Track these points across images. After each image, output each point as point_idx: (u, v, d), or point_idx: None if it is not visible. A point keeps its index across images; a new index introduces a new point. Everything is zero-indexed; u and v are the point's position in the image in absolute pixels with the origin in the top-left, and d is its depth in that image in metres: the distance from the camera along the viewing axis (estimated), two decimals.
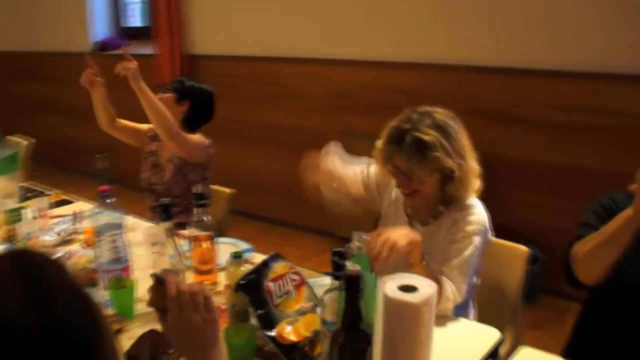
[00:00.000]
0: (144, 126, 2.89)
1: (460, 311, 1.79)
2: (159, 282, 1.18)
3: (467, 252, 1.72)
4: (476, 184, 1.82)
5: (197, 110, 2.77)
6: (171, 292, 1.12)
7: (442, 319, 1.63)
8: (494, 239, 1.88)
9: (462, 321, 1.69)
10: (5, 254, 0.78)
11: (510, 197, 3.61)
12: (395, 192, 2.00)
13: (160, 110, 2.51)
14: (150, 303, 1.19)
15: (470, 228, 1.75)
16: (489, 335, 1.58)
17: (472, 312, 1.90)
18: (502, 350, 1.66)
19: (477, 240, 1.74)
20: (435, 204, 1.86)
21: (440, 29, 3.77)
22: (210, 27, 4.93)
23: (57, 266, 0.79)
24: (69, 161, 6.38)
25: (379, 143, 1.83)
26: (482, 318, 1.80)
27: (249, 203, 4.49)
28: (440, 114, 1.79)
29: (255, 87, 4.73)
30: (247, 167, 4.77)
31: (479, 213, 1.80)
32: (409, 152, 1.72)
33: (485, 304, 1.90)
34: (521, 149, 3.56)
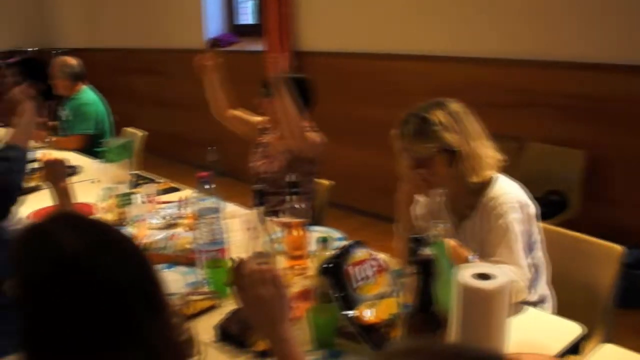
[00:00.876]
0: (255, 119, 3.06)
1: (537, 300, 1.82)
2: (236, 264, 1.30)
3: (508, 233, 1.75)
4: (488, 163, 1.84)
5: (302, 97, 2.86)
6: (243, 270, 1.25)
7: (521, 311, 1.67)
8: (586, 236, 1.88)
9: (542, 314, 1.72)
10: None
11: (621, 198, 3.50)
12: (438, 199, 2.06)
13: (292, 113, 2.64)
14: (228, 282, 1.32)
15: (501, 209, 1.78)
16: (569, 330, 1.60)
17: (550, 302, 1.91)
18: (588, 349, 1.66)
19: (512, 217, 1.77)
20: (465, 194, 1.89)
21: (546, 24, 3.71)
22: (318, 24, 5.09)
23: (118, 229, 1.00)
24: (180, 153, 6.77)
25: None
26: (569, 315, 1.81)
27: (349, 197, 4.61)
28: (450, 102, 1.86)
29: (359, 83, 4.83)
30: (349, 162, 4.89)
31: (506, 192, 1.82)
32: (411, 130, 1.83)
33: (573, 301, 1.90)
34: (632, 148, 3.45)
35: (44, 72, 8.08)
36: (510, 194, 1.82)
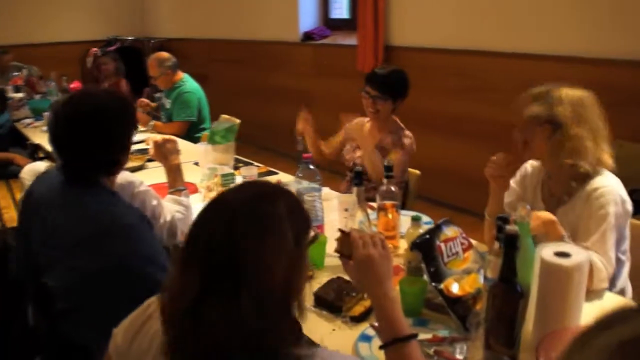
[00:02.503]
0: (341, 133, 3.25)
1: (617, 292, 1.95)
2: (344, 234, 1.52)
3: (605, 223, 1.89)
4: (593, 156, 1.95)
5: (399, 94, 3.04)
6: (355, 234, 1.47)
7: (598, 296, 1.82)
8: None
9: (619, 299, 1.86)
10: None
11: None
12: (530, 175, 2.21)
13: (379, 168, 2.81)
14: (337, 249, 1.53)
15: (605, 199, 1.91)
16: None
17: (629, 294, 2.04)
18: None
19: (612, 209, 1.90)
20: (566, 180, 2.02)
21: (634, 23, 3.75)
22: (409, 19, 5.25)
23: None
24: (268, 142, 7.09)
25: None
26: None
27: (437, 190, 4.76)
28: (587, 92, 2.00)
29: (448, 79, 4.98)
30: (437, 155, 5.03)
31: (611, 184, 1.94)
32: (533, 92, 2.00)
33: None
34: None
35: (139, 59, 8.60)
36: (614, 188, 1.95)
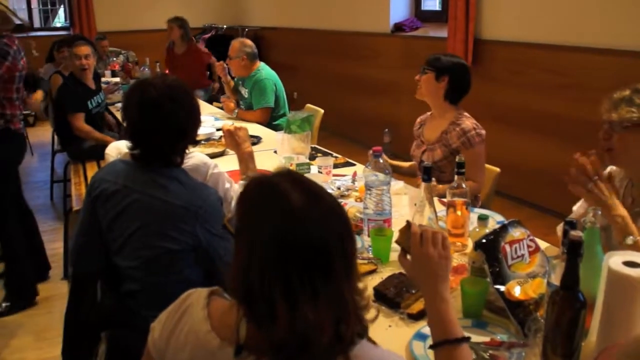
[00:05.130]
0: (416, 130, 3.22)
1: None
2: (408, 227, 1.50)
3: None
4: None
5: (457, 83, 2.95)
6: (415, 229, 1.44)
7: None
8: None
9: None
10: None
11: None
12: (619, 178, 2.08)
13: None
14: (398, 240, 1.52)
15: None
16: None
17: None
18: None
19: None
20: None
21: None
22: (501, 12, 5.11)
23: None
24: (354, 133, 7.10)
25: None
26: None
27: (518, 187, 4.63)
28: None
29: (539, 75, 4.81)
30: (522, 152, 4.89)
31: None
32: (623, 96, 1.88)
33: None
34: None
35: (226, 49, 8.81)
36: None
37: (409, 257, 1.44)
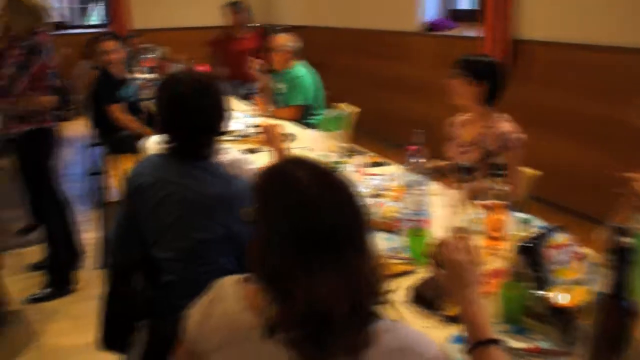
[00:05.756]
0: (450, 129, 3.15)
1: None
2: (439, 244, 1.46)
3: None
4: None
5: (493, 85, 2.86)
6: (442, 238, 1.43)
7: None
8: None
9: None
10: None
11: None
12: None
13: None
14: (431, 255, 1.48)
15: None
16: None
17: None
18: None
19: None
20: None
21: None
22: (539, 12, 5.00)
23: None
24: (385, 133, 7.05)
25: None
26: None
27: (555, 192, 4.53)
28: None
29: (579, 76, 4.69)
30: (560, 156, 4.79)
31: None
32: None
33: None
34: None
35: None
36: None
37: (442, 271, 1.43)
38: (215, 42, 6.97)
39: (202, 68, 6.55)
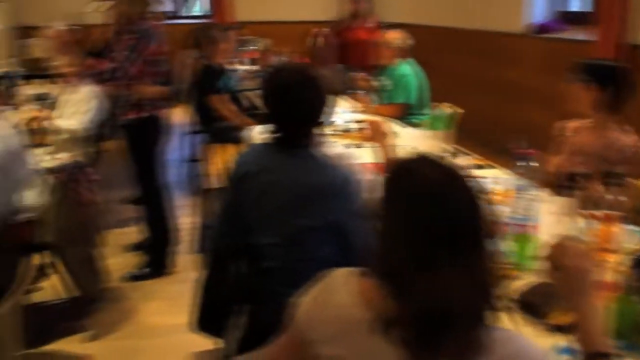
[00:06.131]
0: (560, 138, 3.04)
1: None
2: (556, 244, 1.43)
3: None
4: None
5: (618, 92, 2.72)
6: (562, 243, 1.39)
7: None
8: None
9: None
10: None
11: None
12: None
13: None
14: (547, 257, 1.44)
15: None
16: None
17: None
18: None
19: None
20: None
21: None
22: None
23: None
24: (486, 136, 6.90)
25: None
26: None
27: None
28: None
29: None
30: None
31: None
32: None
33: None
34: None
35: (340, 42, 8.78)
36: None
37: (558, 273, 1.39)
38: (334, 31, 6.97)
39: (302, 61, 6.65)
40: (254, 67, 6.73)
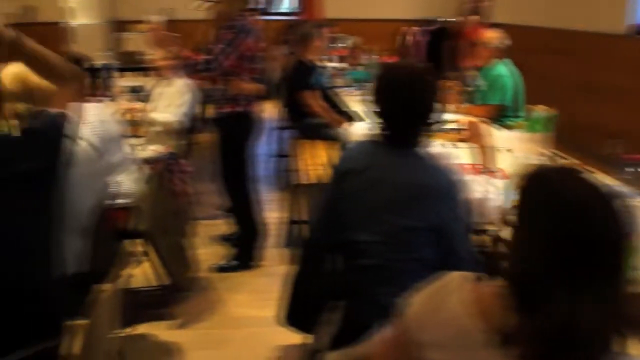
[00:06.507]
0: None
1: None
2: None
3: None
4: None
5: None
6: None
7: None
8: None
9: None
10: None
11: None
12: None
13: None
14: None
15: None
16: None
17: None
18: None
19: None
20: None
21: None
22: None
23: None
24: (581, 140, 6.67)
25: None
26: None
27: None
28: None
29: None
30: None
31: None
32: None
33: None
34: None
35: (449, 42, 8.66)
36: None
37: None
38: (454, 30, 6.91)
39: (391, 60, 6.62)
40: (343, 65, 6.75)
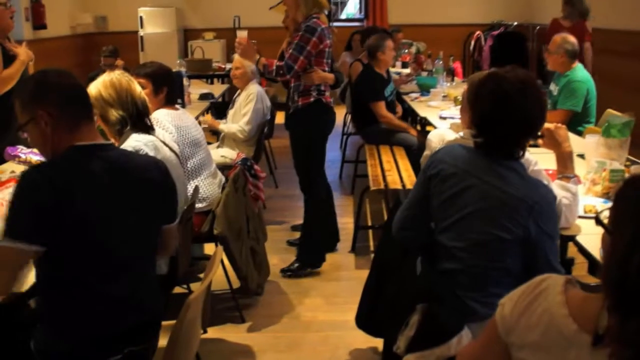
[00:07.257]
0: None
1: None
2: None
3: None
4: None
5: None
6: None
7: None
8: None
9: None
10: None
11: None
12: None
13: None
14: None
15: None
16: None
17: None
18: None
19: None
20: None
21: None
22: None
23: None
24: None
25: None
26: None
27: None
28: None
29: None
30: None
31: None
32: None
33: None
34: None
35: (520, 45, 8.53)
36: None
37: None
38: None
39: (455, 66, 6.60)
40: (407, 71, 6.76)
